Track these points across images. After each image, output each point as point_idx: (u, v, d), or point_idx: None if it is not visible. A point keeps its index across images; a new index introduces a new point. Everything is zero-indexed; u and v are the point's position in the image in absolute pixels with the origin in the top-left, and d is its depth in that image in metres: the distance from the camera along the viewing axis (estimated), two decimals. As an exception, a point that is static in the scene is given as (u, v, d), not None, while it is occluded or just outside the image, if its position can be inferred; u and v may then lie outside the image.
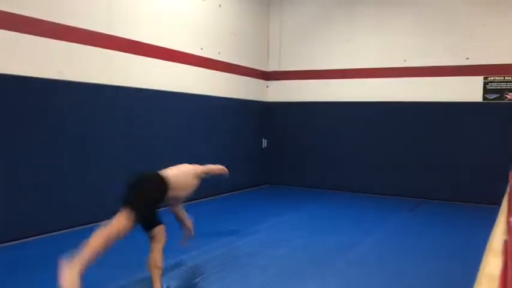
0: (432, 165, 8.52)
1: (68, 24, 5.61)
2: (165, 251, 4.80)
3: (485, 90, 8.18)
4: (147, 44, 6.83)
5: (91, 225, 5.89)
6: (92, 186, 5.98)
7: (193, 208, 7.44)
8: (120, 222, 3.34)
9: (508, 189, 4.33)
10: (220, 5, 8.44)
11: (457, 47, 8.35)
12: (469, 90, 8.28)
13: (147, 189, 3.61)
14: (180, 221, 4.34)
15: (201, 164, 4.43)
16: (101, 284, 3.84)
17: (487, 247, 2.39)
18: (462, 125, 8.32)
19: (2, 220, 4.98)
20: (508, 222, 2.52)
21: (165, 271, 4.18)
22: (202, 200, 8.03)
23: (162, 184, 3.65)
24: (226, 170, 4.62)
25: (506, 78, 8.03)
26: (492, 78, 8.13)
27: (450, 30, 8.42)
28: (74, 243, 3.22)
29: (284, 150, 10.00)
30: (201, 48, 8.00)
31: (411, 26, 8.76)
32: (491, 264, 2.01)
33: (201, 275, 4.11)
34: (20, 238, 5.12)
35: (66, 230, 5.60)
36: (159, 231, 3.67)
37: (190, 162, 4.29)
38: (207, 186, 8.27)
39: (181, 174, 3.90)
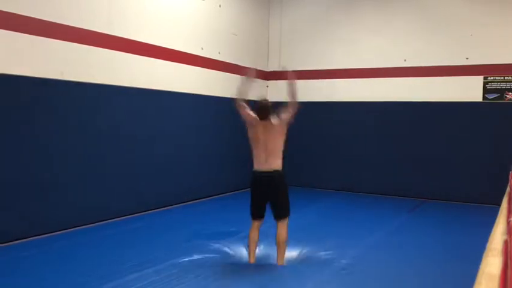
0: (432, 165, 8.52)
1: (68, 24, 5.61)
2: (164, 252, 4.82)
3: (485, 90, 8.19)
4: (147, 44, 6.83)
5: (92, 224, 5.91)
6: (92, 185, 5.98)
7: (193, 208, 7.48)
8: None
9: (508, 189, 4.33)
10: (220, 5, 8.44)
11: (457, 47, 8.35)
12: (468, 90, 8.28)
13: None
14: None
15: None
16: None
17: (487, 247, 2.39)
18: (462, 125, 8.32)
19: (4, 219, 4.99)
20: (508, 222, 2.53)
21: (165, 271, 4.18)
22: (202, 200, 8.03)
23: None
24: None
25: (506, 78, 8.03)
26: (492, 78, 8.13)
27: (450, 30, 8.42)
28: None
29: (284, 150, 9.97)
30: (202, 48, 8.00)
31: (411, 25, 8.76)
32: (491, 264, 2.01)
33: (201, 275, 4.11)
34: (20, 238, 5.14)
35: (66, 230, 5.61)
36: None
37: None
38: (207, 186, 8.32)
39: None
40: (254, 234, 4.50)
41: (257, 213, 4.49)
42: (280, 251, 4.42)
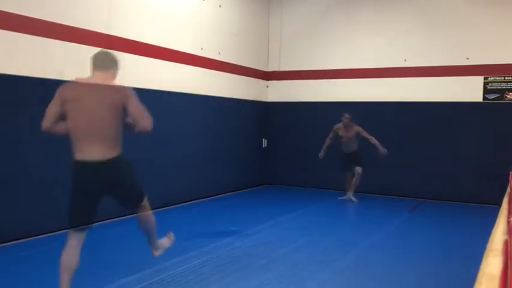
0: (432, 165, 8.51)
1: (68, 24, 5.60)
2: (164, 252, 4.80)
3: (485, 90, 8.18)
4: (147, 44, 6.82)
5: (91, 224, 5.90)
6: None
7: (193, 208, 7.48)
8: None
9: (508, 189, 4.32)
10: (220, 5, 8.44)
11: (457, 47, 8.35)
12: (469, 90, 8.27)
13: None
14: None
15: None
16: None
17: (487, 247, 2.39)
18: (462, 125, 8.31)
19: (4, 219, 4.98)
20: (508, 222, 2.52)
21: (165, 271, 4.18)
22: (202, 199, 8.03)
23: None
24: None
25: (506, 78, 8.03)
26: (492, 78, 8.13)
27: (450, 30, 8.41)
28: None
29: (284, 150, 9.99)
30: (201, 48, 7.99)
31: (411, 26, 8.76)
32: (491, 264, 2.01)
33: (201, 275, 4.10)
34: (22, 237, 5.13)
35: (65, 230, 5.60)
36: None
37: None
38: (207, 186, 8.32)
39: None
40: (72, 256, 2.97)
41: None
42: (153, 238, 3.41)
